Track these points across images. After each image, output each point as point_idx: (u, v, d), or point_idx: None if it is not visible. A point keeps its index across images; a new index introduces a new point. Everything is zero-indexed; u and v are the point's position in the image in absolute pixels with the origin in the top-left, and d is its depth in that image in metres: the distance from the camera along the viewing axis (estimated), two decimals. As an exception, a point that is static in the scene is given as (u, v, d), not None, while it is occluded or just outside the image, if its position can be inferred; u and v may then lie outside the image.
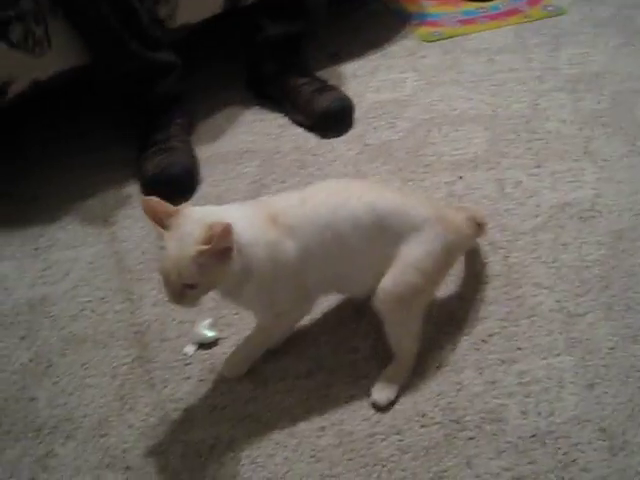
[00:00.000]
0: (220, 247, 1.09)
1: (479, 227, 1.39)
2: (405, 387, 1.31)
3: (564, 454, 1.20)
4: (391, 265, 1.23)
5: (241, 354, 1.35)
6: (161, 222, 1.12)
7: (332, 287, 1.32)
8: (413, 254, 1.23)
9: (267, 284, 1.20)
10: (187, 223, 1.12)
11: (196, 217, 1.13)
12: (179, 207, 1.16)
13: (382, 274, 1.24)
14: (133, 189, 1.83)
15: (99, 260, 1.64)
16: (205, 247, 1.07)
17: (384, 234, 1.23)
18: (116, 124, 2.00)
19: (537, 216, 1.62)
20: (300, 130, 1.96)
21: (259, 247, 1.17)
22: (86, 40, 1.74)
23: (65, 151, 1.95)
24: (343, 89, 2.03)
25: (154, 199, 1.15)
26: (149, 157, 1.82)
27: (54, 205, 1.80)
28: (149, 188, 1.78)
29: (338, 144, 1.90)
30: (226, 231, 1.08)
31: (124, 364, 1.41)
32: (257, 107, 2.07)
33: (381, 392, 1.30)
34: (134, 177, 1.85)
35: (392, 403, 1.30)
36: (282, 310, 1.26)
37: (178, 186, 1.76)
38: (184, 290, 1.12)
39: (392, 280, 1.23)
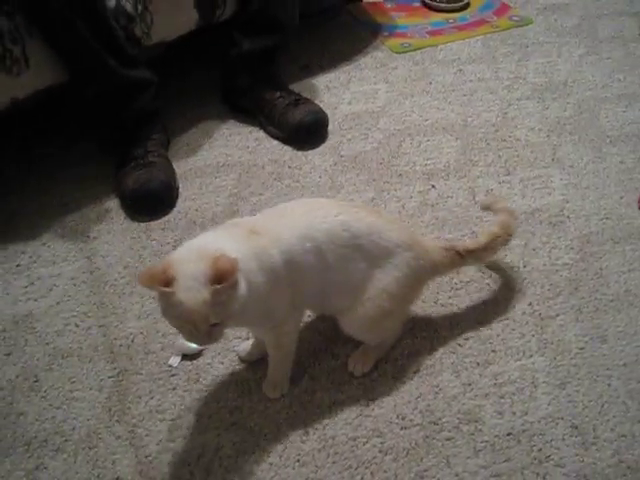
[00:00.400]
0: (234, 280, 1.09)
1: (458, 254, 1.38)
2: (384, 391, 1.35)
3: (539, 451, 1.25)
4: (365, 289, 1.28)
5: (274, 374, 1.36)
6: (164, 282, 1.08)
7: (315, 304, 1.35)
8: (384, 280, 1.28)
9: (263, 295, 1.20)
10: (185, 269, 1.09)
11: (190, 258, 1.11)
12: (165, 260, 1.13)
13: (358, 296, 1.28)
14: (113, 204, 1.83)
15: (81, 275, 1.65)
16: (221, 286, 1.06)
17: (358, 254, 1.26)
18: (94, 140, 2.00)
19: (508, 222, 1.67)
20: (276, 143, 1.99)
21: (250, 260, 1.17)
22: (64, 59, 1.75)
23: (43, 167, 1.95)
24: (317, 101, 2.06)
25: (143, 272, 1.12)
26: (128, 172, 1.83)
27: (35, 221, 1.80)
28: (129, 203, 1.80)
29: (313, 156, 1.93)
30: (235, 265, 1.07)
31: (110, 377, 1.43)
32: (233, 121, 2.08)
33: (357, 364, 1.38)
34: (114, 192, 1.86)
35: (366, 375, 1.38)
36: (279, 320, 1.27)
37: (157, 201, 1.79)
38: (211, 330, 1.11)
39: (361, 308, 1.28)
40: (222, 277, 1.06)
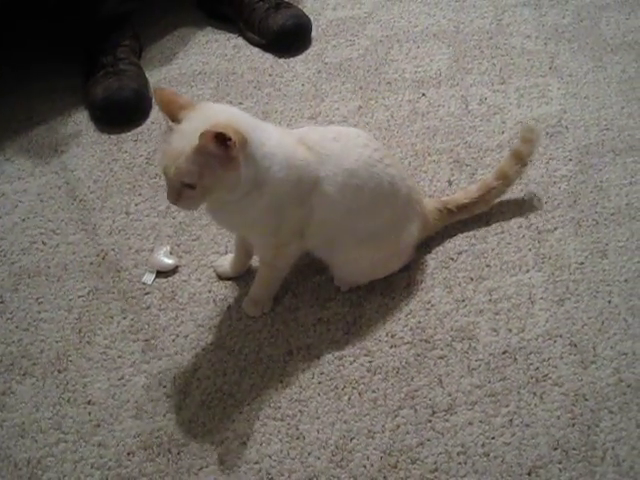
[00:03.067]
0: (230, 155, 1.03)
1: (449, 212, 1.37)
2: (373, 308, 1.30)
3: (536, 369, 1.20)
4: (374, 240, 1.25)
5: (258, 293, 1.30)
6: (173, 114, 1.06)
7: (320, 242, 1.26)
8: (396, 243, 1.28)
9: (279, 201, 1.14)
10: (197, 118, 1.05)
11: (209, 113, 1.07)
12: (195, 103, 1.10)
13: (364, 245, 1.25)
14: (82, 116, 1.74)
15: (49, 191, 1.57)
16: (199, 144, 1.01)
17: (388, 209, 1.25)
18: (61, 50, 1.88)
19: (503, 132, 1.59)
20: (256, 50, 1.89)
21: (282, 166, 1.12)
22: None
23: (6, 81, 1.83)
24: (299, 6, 1.95)
25: (169, 90, 1.10)
26: (97, 81, 1.73)
27: (-2, 135, 1.72)
28: (98, 114, 1.71)
29: (295, 63, 1.84)
30: (239, 139, 1.02)
31: (80, 296, 1.36)
32: (210, 27, 1.98)
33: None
34: (82, 104, 1.76)
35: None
36: (282, 242, 1.20)
37: (129, 110, 1.69)
38: (182, 190, 1.06)
39: (360, 258, 1.26)
40: (212, 138, 1.01)
